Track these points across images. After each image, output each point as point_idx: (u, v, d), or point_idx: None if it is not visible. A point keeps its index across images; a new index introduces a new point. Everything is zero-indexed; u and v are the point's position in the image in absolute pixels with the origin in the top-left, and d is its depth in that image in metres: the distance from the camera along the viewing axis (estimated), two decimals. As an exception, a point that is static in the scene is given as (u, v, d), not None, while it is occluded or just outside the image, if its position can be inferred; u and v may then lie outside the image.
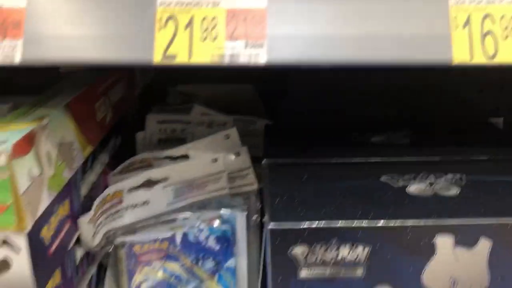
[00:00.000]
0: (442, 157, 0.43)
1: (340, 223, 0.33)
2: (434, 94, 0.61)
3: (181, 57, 0.30)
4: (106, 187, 0.48)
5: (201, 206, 0.52)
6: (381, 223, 0.33)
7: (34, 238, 0.35)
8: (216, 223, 0.50)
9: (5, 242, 0.34)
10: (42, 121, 0.38)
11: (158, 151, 0.53)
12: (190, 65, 0.30)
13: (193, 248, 0.49)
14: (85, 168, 0.47)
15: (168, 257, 0.48)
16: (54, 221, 0.39)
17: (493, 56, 0.28)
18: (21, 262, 0.34)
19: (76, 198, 0.44)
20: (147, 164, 0.52)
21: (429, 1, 0.29)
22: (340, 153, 0.46)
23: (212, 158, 0.48)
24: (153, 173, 0.48)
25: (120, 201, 0.47)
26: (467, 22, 0.28)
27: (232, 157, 0.53)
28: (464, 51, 0.28)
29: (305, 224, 0.33)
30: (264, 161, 0.44)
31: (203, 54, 0.30)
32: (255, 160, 0.50)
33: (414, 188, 0.37)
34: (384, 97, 0.64)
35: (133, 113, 0.67)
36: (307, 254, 0.34)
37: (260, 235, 0.49)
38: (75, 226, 0.44)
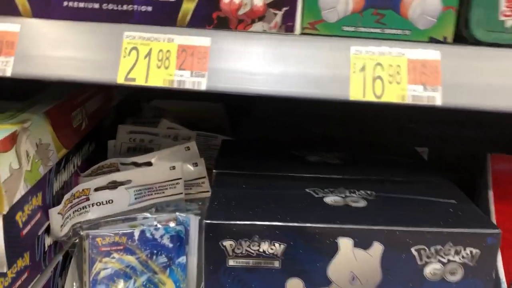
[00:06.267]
0: (361, 177, 0.51)
1: (262, 223, 0.41)
2: (373, 124, 0.70)
3: (139, 80, 0.37)
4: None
5: (159, 209, 0.60)
6: (294, 224, 0.41)
7: (9, 220, 0.42)
8: (172, 224, 0.57)
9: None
10: (24, 124, 0.45)
11: (125, 158, 0.60)
12: (146, 87, 0.38)
13: (149, 243, 0.56)
14: (59, 167, 0.54)
15: (126, 250, 0.55)
16: (27, 209, 0.46)
17: (380, 96, 0.36)
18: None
19: (49, 192, 0.51)
20: (114, 168, 0.59)
21: (335, 50, 0.37)
22: (279, 167, 0.54)
23: (171, 166, 0.56)
24: (117, 176, 0.55)
25: (87, 198, 0.54)
26: (363, 68, 0.37)
27: (190, 166, 0.61)
28: (359, 90, 0.37)
29: (233, 222, 0.41)
30: (214, 172, 0.52)
31: (157, 79, 0.37)
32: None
33: (330, 199, 0.45)
34: (328, 123, 0.72)
35: (109, 123, 0.74)
36: (234, 247, 0.41)
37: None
38: (45, 217, 0.50)
